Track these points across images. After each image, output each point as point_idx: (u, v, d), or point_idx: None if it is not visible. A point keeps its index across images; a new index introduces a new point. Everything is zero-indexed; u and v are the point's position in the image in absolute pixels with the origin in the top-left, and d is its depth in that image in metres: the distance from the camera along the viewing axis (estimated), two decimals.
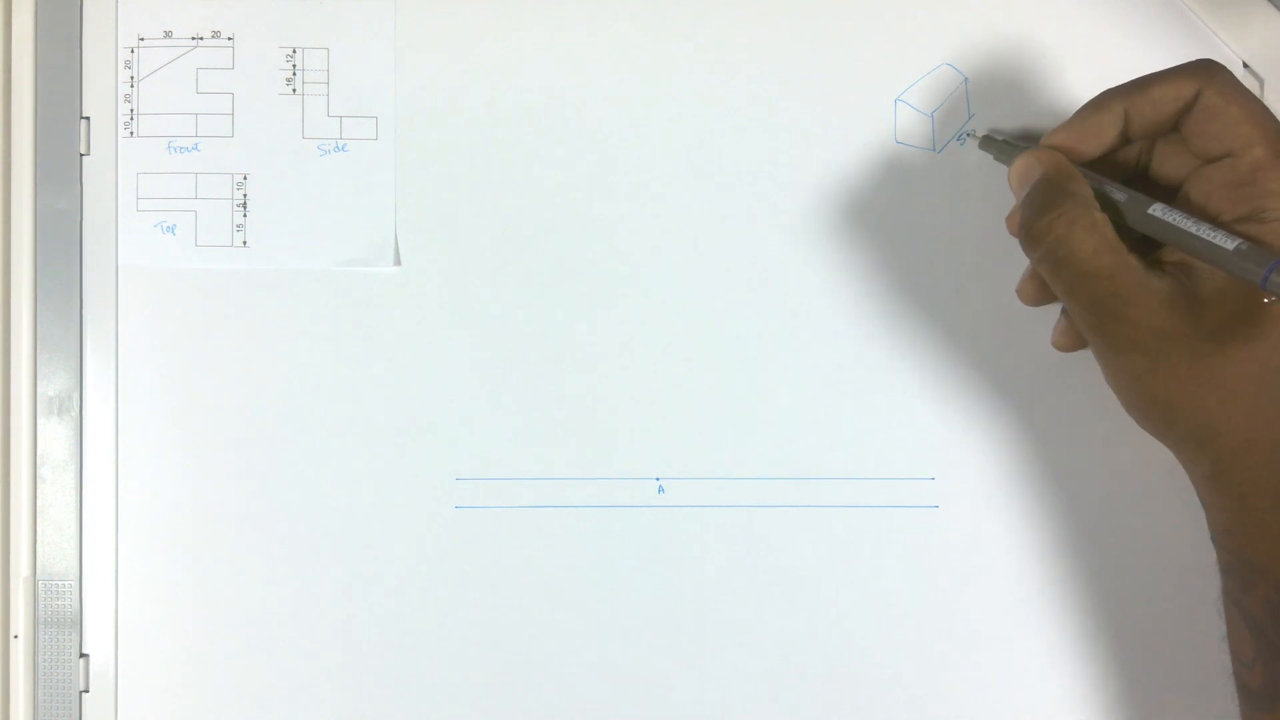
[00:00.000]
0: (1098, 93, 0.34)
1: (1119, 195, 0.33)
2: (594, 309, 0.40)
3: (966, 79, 0.40)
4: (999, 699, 0.40)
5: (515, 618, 0.40)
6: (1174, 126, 0.33)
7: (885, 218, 0.40)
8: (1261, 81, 0.40)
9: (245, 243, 0.39)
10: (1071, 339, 0.37)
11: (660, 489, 0.40)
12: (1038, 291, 0.36)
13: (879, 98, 0.39)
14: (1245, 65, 0.40)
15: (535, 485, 0.39)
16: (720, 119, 0.40)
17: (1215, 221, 0.32)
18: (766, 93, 0.40)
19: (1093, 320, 0.32)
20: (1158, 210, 0.32)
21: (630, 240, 0.40)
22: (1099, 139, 0.34)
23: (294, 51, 0.39)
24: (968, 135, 0.39)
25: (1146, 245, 0.33)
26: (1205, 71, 0.32)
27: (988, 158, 0.38)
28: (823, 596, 0.40)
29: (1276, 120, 0.32)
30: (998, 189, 0.39)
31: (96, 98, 0.39)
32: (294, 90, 0.39)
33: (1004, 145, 0.37)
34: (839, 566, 0.40)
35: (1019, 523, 0.40)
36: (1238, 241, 0.30)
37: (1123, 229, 0.32)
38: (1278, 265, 0.29)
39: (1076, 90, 0.39)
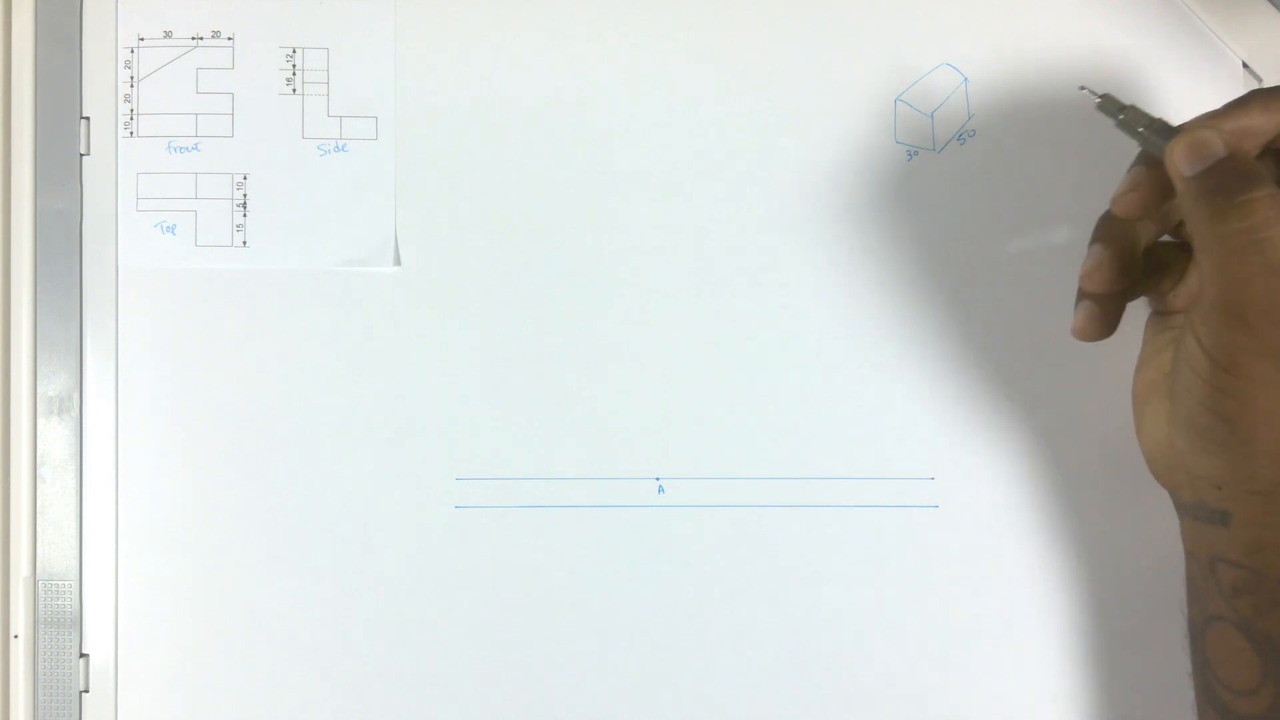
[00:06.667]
0: (1249, 90, 0.31)
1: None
2: (594, 309, 0.40)
3: (966, 79, 0.39)
4: (998, 698, 0.40)
5: (515, 618, 0.40)
6: None
7: (885, 218, 0.40)
8: (1261, 81, 0.40)
9: (245, 243, 0.39)
10: (1097, 327, 0.34)
11: (660, 489, 0.40)
12: (1109, 278, 0.33)
13: (879, 98, 0.39)
14: (1245, 65, 0.40)
15: (535, 485, 0.39)
16: (720, 119, 0.40)
17: None
18: (766, 93, 0.40)
19: (1250, 316, 0.29)
20: None
21: (630, 240, 0.40)
22: (1259, 138, 0.31)
23: (294, 51, 0.39)
24: (1081, 88, 0.34)
25: None
26: None
27: (988, 158, 0.38)
28: (823, 596, 0.40)
29: None
30: (998, 189, 0.39)
31: (96, 98, 0.39)
32: (294, 90, 0.39)
33: (1137, 115, 0.32)
34: (839, 566, 0.40)
35: (1019, 523, 0.40)
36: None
37: None
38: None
39: (1076, 90, 0.39)
